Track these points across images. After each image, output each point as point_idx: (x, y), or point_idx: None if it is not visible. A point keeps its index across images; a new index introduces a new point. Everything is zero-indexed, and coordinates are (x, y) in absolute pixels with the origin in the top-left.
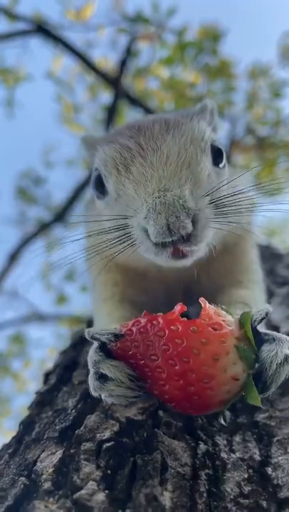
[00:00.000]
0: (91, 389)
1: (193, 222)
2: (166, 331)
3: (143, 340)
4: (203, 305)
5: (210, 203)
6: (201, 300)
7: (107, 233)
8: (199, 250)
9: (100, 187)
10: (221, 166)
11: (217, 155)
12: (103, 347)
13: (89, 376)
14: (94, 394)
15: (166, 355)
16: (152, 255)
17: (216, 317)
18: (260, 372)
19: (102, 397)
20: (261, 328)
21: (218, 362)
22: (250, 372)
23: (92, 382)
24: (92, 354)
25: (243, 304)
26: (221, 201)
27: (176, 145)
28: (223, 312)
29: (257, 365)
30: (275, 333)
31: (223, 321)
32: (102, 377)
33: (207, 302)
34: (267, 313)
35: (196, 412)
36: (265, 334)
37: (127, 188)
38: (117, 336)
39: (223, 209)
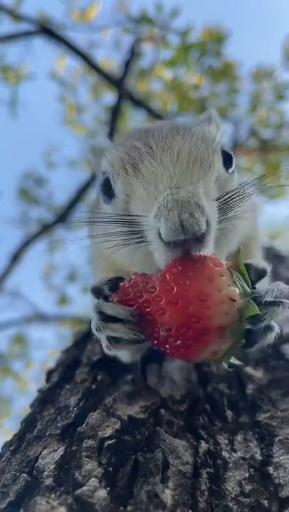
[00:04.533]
0: (93, 329)
1: (206, 223)
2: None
3: (142, 280)
4: None
5: (218, 208)
6: None
7: (115, 236)
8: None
9: (108, 191)
10: (230, 171)
11: (227, 160)
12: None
13: (92, 322)
14: (96, 334)
15: (164, 283)
16: (163, 257)
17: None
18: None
19: (104, 347)
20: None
21: (212, 282)
22: (246, 299)
23: (94, 323)
24: (93, 303)
25: None
26: (227, 207)
27: (187, 143)
28: None
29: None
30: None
31: (217, 257)
32: (104, 320)
33: None
34: (264, 270)
35: (197, 342)
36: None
37: (136, 188)
38: (119, 280)
39: (229, 215)
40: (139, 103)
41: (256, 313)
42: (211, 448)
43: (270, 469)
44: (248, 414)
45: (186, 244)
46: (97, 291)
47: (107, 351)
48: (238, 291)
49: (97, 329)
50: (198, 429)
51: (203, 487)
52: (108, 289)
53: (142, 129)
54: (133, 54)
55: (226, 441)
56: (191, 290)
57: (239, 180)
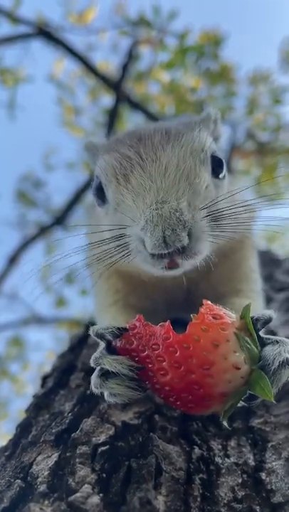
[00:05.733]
0: (92, 386)
1: (189, 235)
2: (168, 322)
3: (146, 332)
4: (204, 301)
5: (206, 216)
6: (204, 301)
7: (106, 242)
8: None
9: (101, 195)
10: (220, 176)
11: (217, 166)
12: (108, 347)
13: (92, 378)
14: (95, 391)
15: (167, 343)
16: (149, 266)
17: (217, 309)
18: None
19: (105, 396)
20: (263, 334)
21: (217, 348)
22: (254, 368)
23: (93, 379)
24: (95, 353)
25: None
26: (218, 214)
27: (175, 156)
28: (225, 310)
29: (260, 362)
30: (277, 337)
31: (224, 313)
32: (104, 375)
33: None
34: (271, 318)
35: (197, 406)
36: (268, 338)
37: (126, 198)
38: (121, 330)
39: (220, 222)
40: (136, 106)
41: (265, 396)
42: (204, 454)
43: (263, 475)
44: (241, 419)
45: (171, 255)
46: (100, 337)
47: (110, 400)
48: (243, 356)
49: (96, 387)
50: (191, 434)
51: (195, 493)
52: (111, 336)
53: (135, 133)
54: (131, 57)
55: (219, 446)
56: (195, 356)
57: (234, 182)
